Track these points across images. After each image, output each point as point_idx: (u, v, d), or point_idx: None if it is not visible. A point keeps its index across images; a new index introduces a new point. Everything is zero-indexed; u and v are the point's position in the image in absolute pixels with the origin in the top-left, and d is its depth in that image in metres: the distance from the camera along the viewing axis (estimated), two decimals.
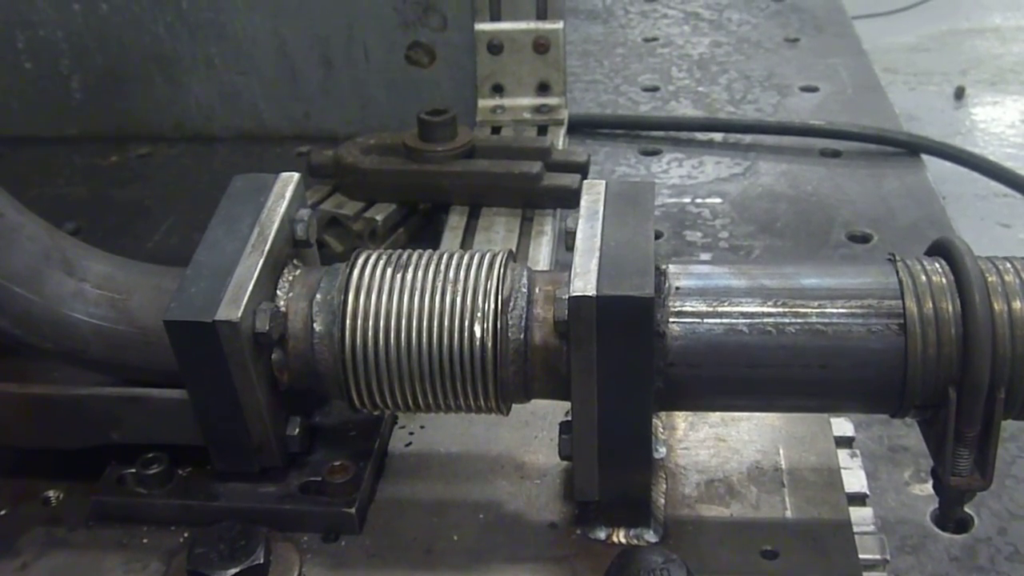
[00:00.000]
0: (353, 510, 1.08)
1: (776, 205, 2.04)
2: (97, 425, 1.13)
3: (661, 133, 2.33)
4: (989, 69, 4.57)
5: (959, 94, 4.34)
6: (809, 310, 0.99)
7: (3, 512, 1.16)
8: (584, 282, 0.95)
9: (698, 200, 2.05)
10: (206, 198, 2.00)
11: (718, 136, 2.32)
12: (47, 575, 1.08)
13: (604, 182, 1.09)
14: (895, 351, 0.98)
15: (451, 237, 1.72)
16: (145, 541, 1.10)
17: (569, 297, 0.95)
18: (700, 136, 2.32)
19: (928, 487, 1.38)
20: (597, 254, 0.99)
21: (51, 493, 1.17)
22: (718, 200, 2.06)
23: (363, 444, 1.15)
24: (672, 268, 1.03)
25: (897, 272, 1.01)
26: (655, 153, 2.26)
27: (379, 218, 1.77)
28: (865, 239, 1.93)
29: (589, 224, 1.03)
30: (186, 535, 1.09)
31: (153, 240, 1.99)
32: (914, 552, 1.32)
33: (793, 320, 0.99)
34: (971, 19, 5.08)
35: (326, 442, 1.16)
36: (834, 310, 0.99)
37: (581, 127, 2.31)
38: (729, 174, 2.16)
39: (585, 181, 1.11)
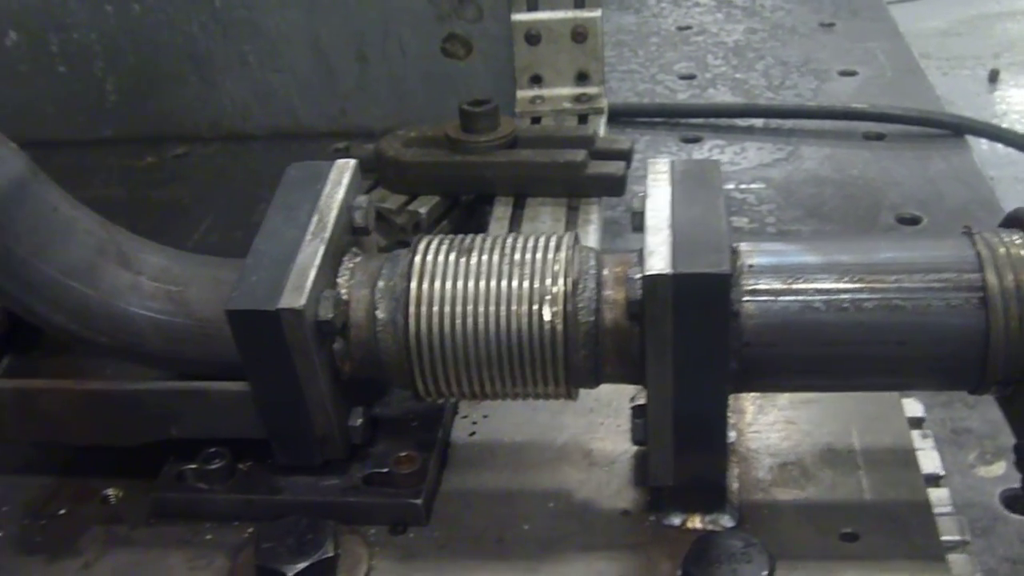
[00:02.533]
0: (420, 501, 1.06)
1: (822, 189, 2.00)
2: (156, 420, 1.12)
3: (700, 120, 2.29)
4: (1022, 51, 4.52)
5: (993, 77, 4.29)
6: (886, 285, 0.97)
7: (63, 511, 1.14)
8: (659, 260, 0.92)
9: (742, 186, 2.02)
10: (243, 196, 1.98)
11: (758, 122, 2.28)
12: (110, 574, 1.06)
13: (669, 160, 1.06)
14: (976, 326, 0.95)
15: (497, 228, 1.69)
16: (209, 537, 1.08)
17: (643, 276, 0.92)
18: (740, 122, 2.29)
19: (995, 468, 1.35)
20: (668, 232, 0.96)
21: (110, 491, 1.16)
22: (762, 185, 2.02)
23: (425, 435, 1.13)
24: (744, 246, 1.01)
25: (974, 244, 0.98)
26: (696, 140, 2.22)
27: (423, 211, 1.75)
28: (915, 221, 1.89)
29: (657, 202, 1.01)
30: (250, 530, 1.07)
31: (192, 239, 1.98)
32: (984, 535, 1.28)
33: (870, 296, 0.96)
34: (1001, 2, 5.02)
35: (386, 433, 1.14)
36: (912, 285, 0.96)
37: (620, 116, 2.27)
38: (772, 159, 2.13)
39: (648, 160, 1.09)
